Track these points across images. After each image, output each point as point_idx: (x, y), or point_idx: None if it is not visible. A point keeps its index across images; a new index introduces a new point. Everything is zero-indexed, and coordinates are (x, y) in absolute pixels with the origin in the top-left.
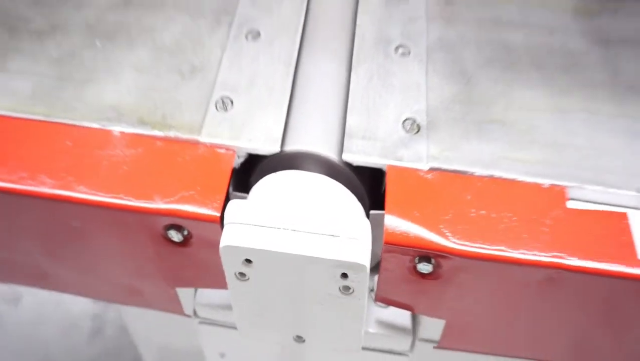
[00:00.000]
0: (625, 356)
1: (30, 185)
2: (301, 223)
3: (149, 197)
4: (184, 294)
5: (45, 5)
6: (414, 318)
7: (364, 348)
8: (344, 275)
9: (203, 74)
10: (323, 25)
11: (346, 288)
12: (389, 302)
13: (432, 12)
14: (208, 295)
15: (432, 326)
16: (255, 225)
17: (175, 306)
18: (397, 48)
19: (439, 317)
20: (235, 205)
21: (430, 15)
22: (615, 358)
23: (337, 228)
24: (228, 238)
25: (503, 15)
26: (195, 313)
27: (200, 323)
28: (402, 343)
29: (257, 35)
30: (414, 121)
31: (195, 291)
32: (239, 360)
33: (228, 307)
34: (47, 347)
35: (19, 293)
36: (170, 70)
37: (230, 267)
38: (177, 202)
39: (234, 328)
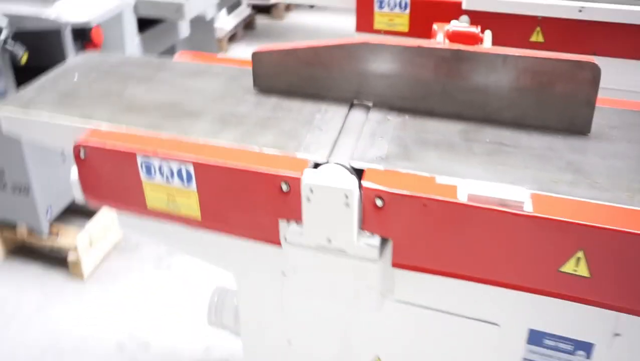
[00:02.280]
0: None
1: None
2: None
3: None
4: (282, 224)
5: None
6: (382, 241)
7: (350, 257)
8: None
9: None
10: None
11: (346, 205)
12: (366, 228)
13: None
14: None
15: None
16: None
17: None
18: (375, 136)
19: (388, 236)
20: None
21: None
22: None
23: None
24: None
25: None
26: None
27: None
28: (373, 253)
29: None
30: (381, 157)
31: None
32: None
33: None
34: None
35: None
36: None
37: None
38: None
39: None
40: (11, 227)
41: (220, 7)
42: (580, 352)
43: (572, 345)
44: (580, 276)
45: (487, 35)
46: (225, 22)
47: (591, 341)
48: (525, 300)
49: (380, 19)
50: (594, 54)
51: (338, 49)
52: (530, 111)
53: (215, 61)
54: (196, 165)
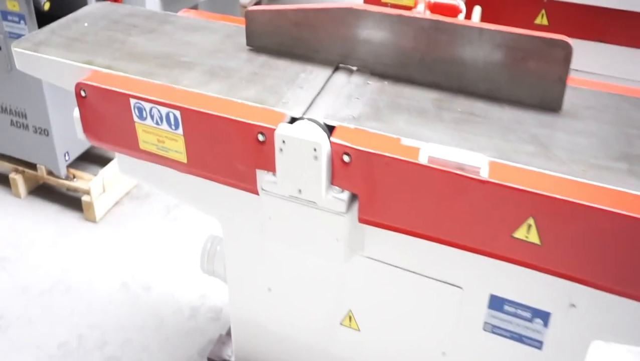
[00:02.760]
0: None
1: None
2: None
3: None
4: (260, 173)
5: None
6: (351, 197)
7: (320, 209)
8: (315, 149)
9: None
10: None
11: (315, 158)
12: (336, 183)
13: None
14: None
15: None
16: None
17: (253, 184)
18: (351, 98)
19: (355, 192)
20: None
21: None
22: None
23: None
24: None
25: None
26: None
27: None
28: (340, 206)
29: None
30: (353, 117)
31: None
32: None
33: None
34: None
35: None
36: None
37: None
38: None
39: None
40: (32, 167)
41: None
42: (538, 320)
43: (530, 312)
44: (532, 243)
45: (476, 10)
46: None
47: (548, 310)
48: (486, 265)
49: None
50: (600, 40)
51: (325, 12)
52: (504, 85)
53: (216, 18)
54: (183, 111)
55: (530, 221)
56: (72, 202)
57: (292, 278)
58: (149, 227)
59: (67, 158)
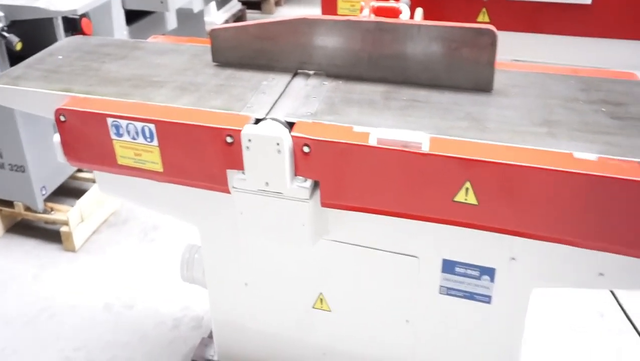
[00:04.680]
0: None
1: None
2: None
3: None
4: (230, 173)
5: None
6: (314, 185)
7: (286, 198)
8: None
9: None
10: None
11: (278, 152)
12: (299, 173)
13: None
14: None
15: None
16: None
17: (225, 183)
18: (309, 97)
19: (317, 179)
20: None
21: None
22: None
23: (280, 131)
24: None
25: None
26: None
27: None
28: (304, 193)
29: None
30: (311, 113)
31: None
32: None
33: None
34: None
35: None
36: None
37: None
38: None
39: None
40: (9, 204)
41: (207, 0)
42: (485, 277)
43: (478, 270)
44: (470, 204)
45: (418, 12)
46: (216, 17)
47: (492, 266)
48: (436, 232)
49: (343, 5)
50: (537, 31)
51: (282, 25)
52: (442, 73)
53: (183, 41)
54: (157, 124)
55: (467, 185)
56: (50, 234)
57: (266, 270)
58: (128, 251)
59: (44, 192)
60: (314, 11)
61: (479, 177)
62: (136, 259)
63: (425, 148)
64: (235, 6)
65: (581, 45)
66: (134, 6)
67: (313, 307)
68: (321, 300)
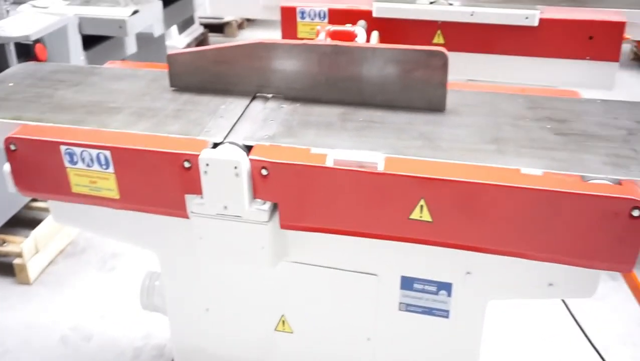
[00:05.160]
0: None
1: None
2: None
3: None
4: (189, 198)
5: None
6: (273, 207)
7: (245, 221)
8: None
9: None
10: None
11: (236, 175)
12: (258, 196)
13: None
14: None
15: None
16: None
17: (183, 208)
18: (267, 120)
19: (275, 201)
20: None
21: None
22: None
23: (238, 155)
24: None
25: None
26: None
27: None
28: (262, 216)
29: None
30: (269, 136)
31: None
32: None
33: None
34: None
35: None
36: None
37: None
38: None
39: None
40: None
41: (168, 24)
42: (443, 291)
43: (435, 286)
44: (425, 221)
45: (373, 35)
46: (178, 41)
47: (449, 281)
48: (394, 250)
49: (303, 29)
50: (489, 52)
51: (238, 49)
52: (397, 94)
53: (141, 66)
54: (112, 150)
55: (422, 202)
56: (3, 267)
57: (226, 294)
58: (86, 281)
59: None
60: (276, 34)
61: (432, 195)
62: (95, 289)
63: (381, 168)
64: (197, 30)
65: (529, 64)
66: (91, 31)
67: (275, 329)
68: (283, 322)
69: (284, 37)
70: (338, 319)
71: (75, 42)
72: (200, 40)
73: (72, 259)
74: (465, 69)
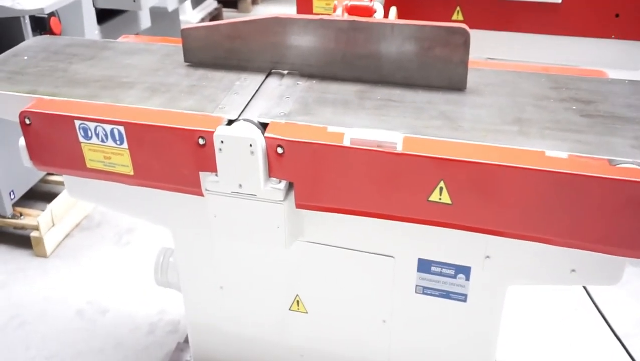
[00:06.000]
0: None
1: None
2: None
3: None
4: (203, 176)
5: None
6: (288, 186)
7: (260, 200)
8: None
9: None
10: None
11: (251, 153)
12: (273, 175)
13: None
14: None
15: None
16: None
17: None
18: (282, 97)
19: (291, 180)
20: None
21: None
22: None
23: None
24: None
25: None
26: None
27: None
28: (278, 195)
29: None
30: (284, 113)
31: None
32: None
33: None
34: None
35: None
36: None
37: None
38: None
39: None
40: None
41: None
42: (461, 275)
43: (453, 269)
44: (445, 203)
45: (392, 11)
46: (191, 16)
47: (468, 265)
48: (412, 232)
49: (318, 4)
50: (510, 30)
51: (253, 24)
52: (416, 72)
53: (155, 41)
54: (126, 126)
55: (442, 184)
56: (20, 240)
57: (241, 273)
58: (102, 255)
59: (12, 197)
60: (290, 9)
61: (452, 177)
62: (110, 263)
63: (399, 148)
64: (211, 5)
65: (552, 43)
66: (105, 5)
67: (289, 309)
68: (297, 302)
69: (299, 12)
70: (353, 301)
71: (89, 16)
72: (214, 16)
73: (88, 233)
74: (484, 47)
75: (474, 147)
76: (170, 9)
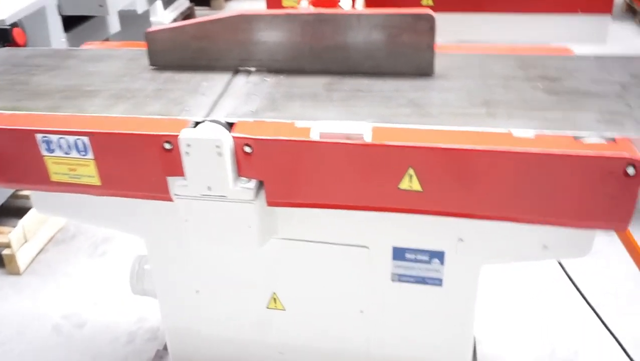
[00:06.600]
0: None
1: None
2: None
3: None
4: (171, 180)
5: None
6: (258, 185)
7: (230, 201)
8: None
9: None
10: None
11: (219, 154)
12: (243, 174)
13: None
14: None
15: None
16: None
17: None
18: (250, 95)
19: (260, 179)
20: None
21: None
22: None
23: (220, 133)
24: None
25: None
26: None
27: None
28: (248, 195)
29: None
30: (252, 111)
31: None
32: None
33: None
34: None
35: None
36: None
37: None
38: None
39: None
40: None
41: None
42: (435, 260)
43: (427, 255)
44: (415, 190)
45: (359, 0)
46: (163, 16)
47: (441, 250)
48: (384, 221)
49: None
50: (481, 11)
51: (219, 22)
52: (384, 61)
53: (119, 46)
54: (90, 136)
55: (411, 171)
56: None
57: (216, 275)
58: (78, 267)
59: None
60: (263, 5)
61: (421, 163)
62: (86, 275)
63: (367, 139)
64: (183, 4)
65: (522, 22)
66: (71, 11)
67: (267, 308)
68: (275, 299)
69: (268, 7)
70: (330, 294)
71: (55, 24)
72: (187, 15)
73: (63, 246)
74: (456, 30)
75: (442, 132)
76: (139, 11)
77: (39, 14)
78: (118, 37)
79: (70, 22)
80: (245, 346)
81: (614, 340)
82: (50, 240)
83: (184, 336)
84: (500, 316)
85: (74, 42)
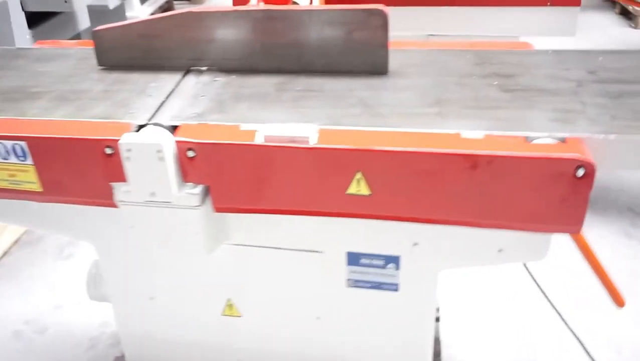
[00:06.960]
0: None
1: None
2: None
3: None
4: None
5: None
6: (205, 190)
7: (176, 207)
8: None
9: None
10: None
11: (160, 159)
12: (188, 179)
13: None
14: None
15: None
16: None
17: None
18: (197, 96)
19: (206, 184)
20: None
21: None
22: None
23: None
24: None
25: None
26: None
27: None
28: (193, 200)
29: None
30: (197, 113)
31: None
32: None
33: None
34: None
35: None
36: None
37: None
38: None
39: None
40: None
41: None
42: (390, 265)
43: (382, 260)
44: (363, 195)
45: None
46: (140, 11)
47: (396, 254)
48: (337, 226)
49: None
50: (450, 4)
51: (168, 20)
52: (338, 58)
53: (72, 45)
54: (28, 141)
55: (359, 175)
56: None
57: (170, 282)
58: (42, 271)
59: None
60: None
61: (368, 167)
62: (51, 279)
63: (313, 142)
64: None
65: (491, 15)
66: (35, 7)
67: (222, 314)
68: (230, 306)
69: (234, 3)
70: (285, 300)
71: (18, 21)
72: (165, 9)
73: (28, 249)
74: (425, 25)
75: (391, 134)
76: (111, 6)
77: (0, 10)
78: (88, 33)
79: (36, 19)
80: (202, 352)
81: (575, 338)
82: (15, 243)
83: (139, 342)
84: (469, 318)
85: (41, 39)
